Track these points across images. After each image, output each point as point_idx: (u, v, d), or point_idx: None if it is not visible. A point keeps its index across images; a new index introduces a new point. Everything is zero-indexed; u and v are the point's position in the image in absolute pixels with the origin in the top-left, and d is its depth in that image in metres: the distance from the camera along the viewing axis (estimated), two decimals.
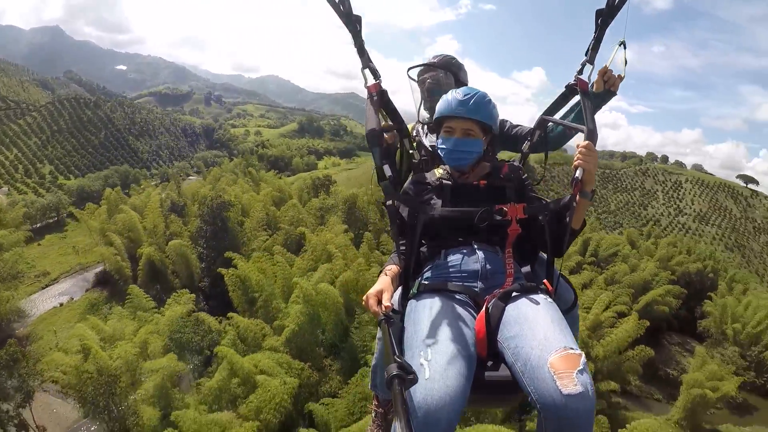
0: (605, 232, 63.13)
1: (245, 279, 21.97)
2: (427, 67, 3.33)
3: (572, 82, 2.63)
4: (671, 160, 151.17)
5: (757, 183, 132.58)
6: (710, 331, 37.70)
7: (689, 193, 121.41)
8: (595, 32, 2.54)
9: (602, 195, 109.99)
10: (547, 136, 2.97)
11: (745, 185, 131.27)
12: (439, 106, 2.57)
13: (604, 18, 2.51)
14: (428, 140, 3.25)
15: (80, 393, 15.94)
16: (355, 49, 2.57)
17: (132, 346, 17.35)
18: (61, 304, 29.75)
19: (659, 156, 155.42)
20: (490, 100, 2.56)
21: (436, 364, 1.83)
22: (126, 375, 15.80)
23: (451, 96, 2.52)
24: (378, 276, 2.39)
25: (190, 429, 13.62)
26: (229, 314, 19.77)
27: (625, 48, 2.59)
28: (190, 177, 62.56)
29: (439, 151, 2.61)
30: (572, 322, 2.30)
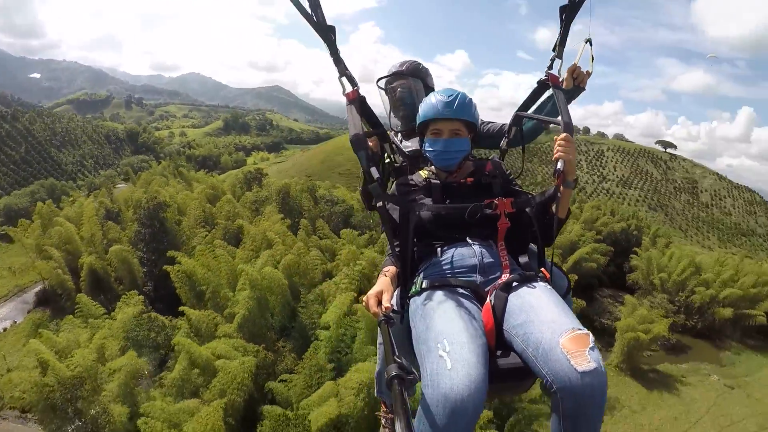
0: None
1: (191, 274, 22.30)
2: (396, 76, 3.48)
3: (543, 78, 2.76)
4: (593, 131, 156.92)
5: (675, 147, 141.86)
6: (638, 282, 40.23)
7: (611, 161, 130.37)
8: (560, 28, 2.68)
9: (529, 168, 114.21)
10: (522, 131, 3.12)
11: (664, 150, 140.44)
12: (424, 110, 2.70)
13: (567, 14, 2.65)
14: (403, 146, 3.39)
15: (46, 405, 15.78)
16: (331, 58, 2.68)
17: (89, 352, 17.42)
18: (5, 329, 29.01)
19: (581, 128, 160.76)
20: (471, 99, 2.72)
21: (455, 354, 1.92)
22: (88, 381, 15.91)
23: (436, 99, 2.67)
24: (377, 277, 2.49)
25: (160, 418, 14.07)
26: (181, 308, 20.20)
27: (591, 45, 2.78)
28: (119, 185, 61.25)
29: (427, 153, 2.75)
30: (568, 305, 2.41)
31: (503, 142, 3.18)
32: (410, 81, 3.41)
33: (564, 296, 2.43)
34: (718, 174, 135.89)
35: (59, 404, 15.54)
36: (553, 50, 2.72)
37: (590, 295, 37.10)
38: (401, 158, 3.42)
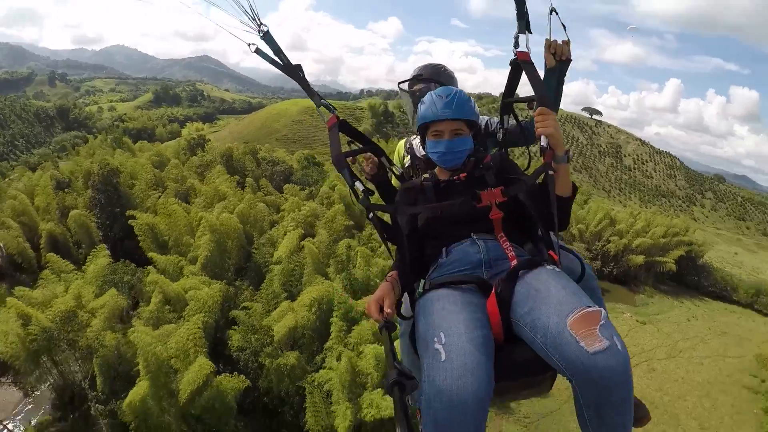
0: None
1: (154, 227, 24.41)
2: (417, 80, 3.47)
3: (513, 58, 2.60)
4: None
5: (600, 114, 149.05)
6: (559, 233, 44.79)
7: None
8: (515, 3, 2.58)
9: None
10: (520, 124, 3.14)
11: (590, 116, 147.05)
12: (423, 111, 2.62)
13: None
14: (420, 151, 3.35)
15: (29, 356, 16.69)
16: (306, 92, 2.82)
17: (70, 298, 18.84)
18: None
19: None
20: (469, 97, 2.64)
21: (451, 345, 1.86)
22: (78, 314, 17.85)
23: (433, 100, 2.59)
24: (381, 282, 2.38)
25: (145, 341, 15.59)
26: (150, 253, 22.20)
27: (557, 14, 2.58)
28: (59, 160, 60.91)
29: (430, 155, 2.66)
30: (591, 294, 2.22)
31: (500, 134, 3.23)
32: (431, 85, 3.38)
33: (579, 279, 2.39)
34: (641, 140, 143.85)
35: (44, 351, 16.91)
36: (517, 28, 2.61)
37: None
38: (415, 164, 3.48)
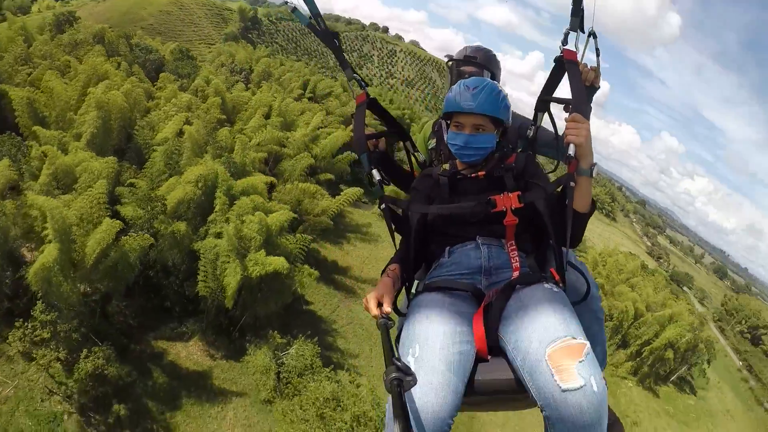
0: (322, 76, 72.55)
1: (34, 101, 23.94)
2: (470, 62, 3.28)
3: (559, 55, 2.40)
4: (392, 33, 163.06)
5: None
6: (405, 158, 49.44)
7: (401, 62, 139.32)
8: None
9: (322, 52, 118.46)
10: (557, 133, 2.76)
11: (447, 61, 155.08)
12: (448, 100, 2.44)
13: None
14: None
15: None
16: (338, 63, 2.75)
17: None
18: None
19: (381, 26, 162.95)
20: (500, 92, 2.42)
21: (422, 360, 1.81)
22: None
23: (459, 89, 2.39)
24: (381, 275, 2.32)
25: (52, 204, 16.40)
26: (34, 127, 22.09)
27: (595, 38, 2.42)
28: None
29: (449, 146, 2.47)
30: (590, 317, 2.27)
31: (530, 131, 2.93)
32: (482, 71, 3.24)
33: (581, 301, 2.26)
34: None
35: None
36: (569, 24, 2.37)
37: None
38: (440, 149, 3.26)
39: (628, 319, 42.53)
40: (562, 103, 2.41)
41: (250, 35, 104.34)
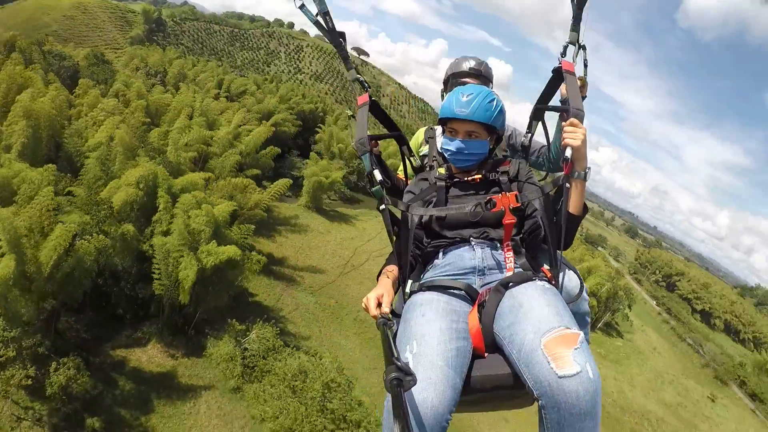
0: (235, 75, 74.45)
1: None
2: (471, 74, 3.35)
3: (557, 66, 2.50)
4: (297, 28, 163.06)
5: (367, 55, 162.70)
6: (321, 150, 50.88)
7: (308, 57, 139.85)
8: (573, 11, 2.47)
9: (229, 51, 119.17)
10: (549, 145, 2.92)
11: (358, 55, 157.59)
12: (443, 106, 2.53)
13: None
14: (440, 143, 2.86)
15: None
16: (342, 61, 2.75)
17: None
18: None
19: (287, 22, 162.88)
20: (494, 99, 2.48)
21: (420, 355, 1.84)
22: None
23: (455, 97, 2.46)
24: (378, 277, 2.39)
25: (2, 214, 16.29)
26: None
27: (585, 50, 2.50)
28: None
29: (443, 151, 2.56)
30: (578, 318, 2.22)
31: (525, 139, 3.07)
32: (487, 83, 3.32)
33: (574, 300, 2.33)
34: (399, 84, 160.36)
35: None
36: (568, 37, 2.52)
37: (283, 155, 46.39)
38: (432, 155, 3.21)
39: None
40: (559, 112, 2.57)
41: (155, 37, 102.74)
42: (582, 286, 2.37)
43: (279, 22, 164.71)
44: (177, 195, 22.22)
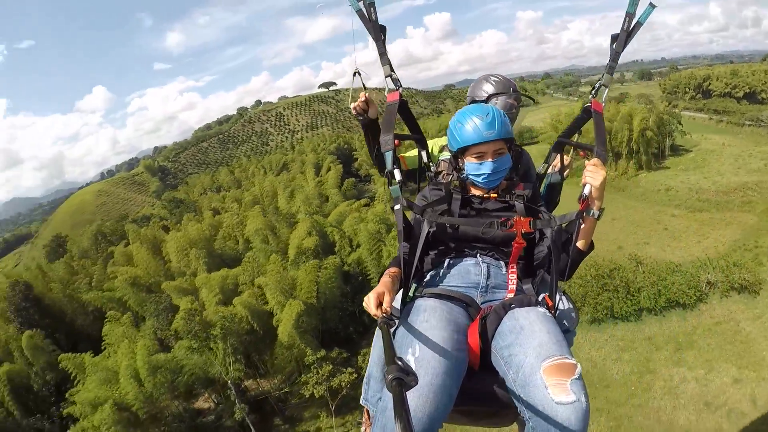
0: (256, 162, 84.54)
1: None
2: (510, 93, 3.36)
3: (587, 104, 2.63)
4: (248, 105, 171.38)
5: (335, 84, 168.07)
6: (364, 168, 60.15)
7: (292, 116, 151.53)
8: (609, 57, 2.62)
9: (230, 154, 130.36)
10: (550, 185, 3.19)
11: (328, 89, 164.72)
12: (465, 133, 2.46)
13: (618, 43, 2.59)
14: (445, 166, 2.99)
15: None
16: (379, 56, 2.74)
17: None
18: None
19: (241, 109, 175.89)
20: (503, 112, 2.53)
21: (423, 360, 1.90)
22: None
23: (476, 121, 2.44)
24: (379, 278, 2.35)
25: None
26: None
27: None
28: None
29: (472, 177, 2.53)
30: (569, 336, 2.34)
31: (542, 168, 3.20)
32: (513, 100, 3.37)
33: (567, 330, 2.37)
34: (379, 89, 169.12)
35: None
36: (601, 78, 2.68)
37: (356, 183, 55.24)
38: (436, 166, 3.18)
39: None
40: (583, 149, 2.67)
41: (168, 181, 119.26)
42: (577, 319, 2.49)
43: (227, 117, 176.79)
44: (338, 225, 29.03)
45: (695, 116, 79.03)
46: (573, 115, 51.85)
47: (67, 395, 22.60)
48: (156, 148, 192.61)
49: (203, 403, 25.79)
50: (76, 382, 22.98)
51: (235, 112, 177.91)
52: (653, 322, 22.96)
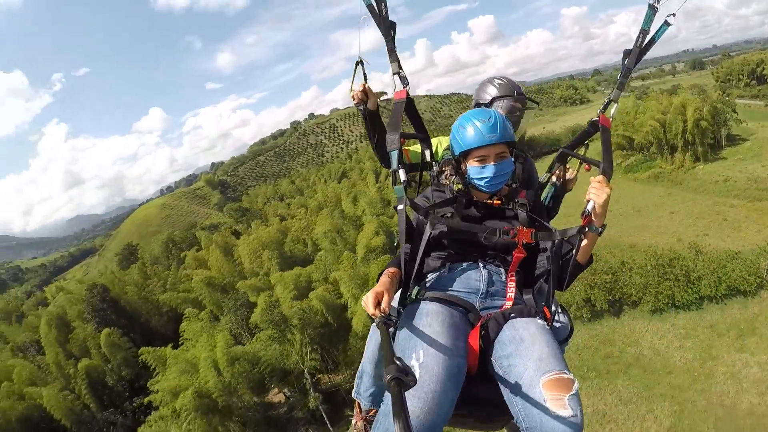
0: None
1: None
2: (514, 96, 3.35)
3: (595, 119, 2.64)
4: (301, 119, 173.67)
5: (386, 93, 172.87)
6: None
7: (345, 127, 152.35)
8: (621, 73, 2.61)
9: (287, 167, 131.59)
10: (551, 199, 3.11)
11: (378, 99, 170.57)
12: (467, 137, 2.45)
13: (630, 59, 2.57)
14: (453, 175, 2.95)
15: None
16: (387, 53, 2.72)
17: None
18: None
19: (294, 123, 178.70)
20: (505, 115, 2.63)
21: (427, 366, 1.90)
22: None
23: (478, 125, 2.43)
24: (378, 277, 2.36)
25: None
26: None
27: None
28: None
29: (475, 181, 2.51)
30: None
31: (544, 177, 3.17)
32: (519, 105, 3.38)
33: (561, 342, 2.36)
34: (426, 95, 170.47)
35: None
36: (610, 94, 2.66)
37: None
38: (439, 166, 3.22)
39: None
40: (589, 164, 2.65)
41: (228, 194, 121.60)
42: (571, 331, 2.50)
43: (281, 132, 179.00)
44: None
45: (750, 103, 78.00)
46: (627, 111, 52.23)
47: (147, 384, 23.97)
48: (213, 164, 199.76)
49: (274, 397, 26.83)
50: (155, 373, 24.42)
51: (288, 127, 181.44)
52: (714, 310, 23.69)
